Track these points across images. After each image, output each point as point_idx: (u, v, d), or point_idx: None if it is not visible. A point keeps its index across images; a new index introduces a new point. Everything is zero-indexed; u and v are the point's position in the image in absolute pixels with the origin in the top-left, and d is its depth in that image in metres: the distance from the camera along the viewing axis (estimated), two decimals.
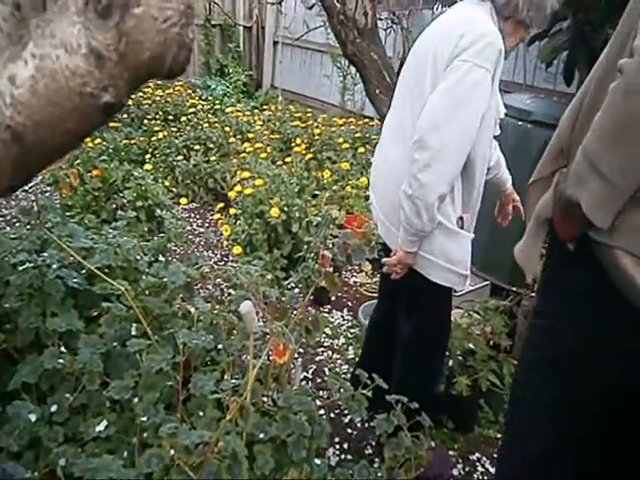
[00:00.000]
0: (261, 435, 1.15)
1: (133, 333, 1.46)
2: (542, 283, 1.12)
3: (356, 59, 3.41)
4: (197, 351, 1.39)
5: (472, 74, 1.41)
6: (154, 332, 1.46)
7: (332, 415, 2.11)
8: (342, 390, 1.29)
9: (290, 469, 1.13)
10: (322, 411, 2.08)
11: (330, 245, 1.34)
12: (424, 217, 1.49)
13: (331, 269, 1.36)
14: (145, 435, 1.23)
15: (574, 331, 1.01)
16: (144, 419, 1.21)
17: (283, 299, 1.34)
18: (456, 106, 1.41)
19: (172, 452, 0.98)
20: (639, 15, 0.86)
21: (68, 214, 2.33)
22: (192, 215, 3.91)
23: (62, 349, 1.37)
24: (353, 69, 5.00)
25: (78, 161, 3.19)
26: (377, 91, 3.56)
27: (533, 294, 2.79)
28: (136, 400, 1.29)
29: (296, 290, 2.96)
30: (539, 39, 3.14)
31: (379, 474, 1.21)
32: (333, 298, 2.97)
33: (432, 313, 1.79)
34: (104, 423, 1.23)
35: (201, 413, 1.29)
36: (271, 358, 1.03)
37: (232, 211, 3.10)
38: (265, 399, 1.26)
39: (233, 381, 1.34)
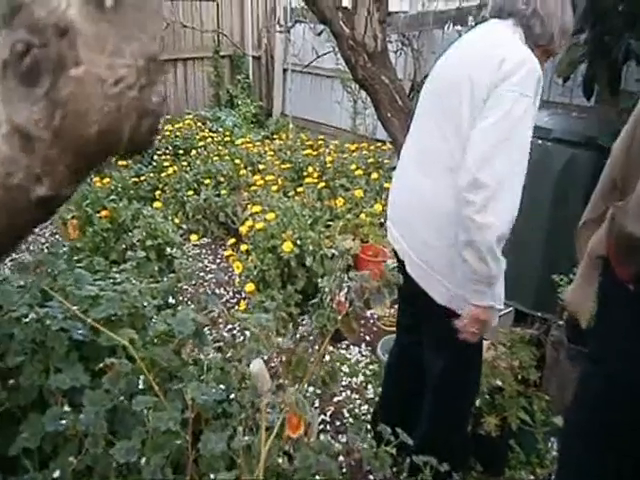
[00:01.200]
0: None
1: (140, 387, 1.39)
2: (597, 325, 1.02)
3: (367, 83, 3.37)
4: (207, 405, 1.31)
5: (519, 104, 1.33)
6: (162, 385, 1.39)
7: (352, 462, 2.00)
8: (364, 446, 1.19)
9: None
10: (342, 457, 1.97)
11: (346, 288, 1.26)
12: (489, 262, 1.37)
13: (348, 312, 1.28)
14: None
15: (637, 375, 0.92)
16: None
17: (298, 349, 1.26)
18: (506, 139, 1.33)
19: None
20: None
21: (76, 258, 2.28)
22: (203, 251, 3.86)
23: (66, 408, 1.30)
24: (363, 93, 4.98)
25: (87, 201, 3.16)
26: (389, 115, 3.51)
27: (561, 322, 2.67)
28: (143, 461, 1.21)
29: (309, 328, 2.88)
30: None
31: None
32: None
33: (465, 349, 1.68)
34: None
35: (212, 475, 1.20)
36: (285, 433, 0.95)
37: (243, 247, 3.03)
38: (280, 460, 1.17)
39: (246, 438, 1.26)
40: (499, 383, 2.16)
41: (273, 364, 1.28)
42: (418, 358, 1.79)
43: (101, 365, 1.47)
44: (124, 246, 2.76)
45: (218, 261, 3.70)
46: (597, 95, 3.01)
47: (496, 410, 2.04)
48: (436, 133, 1.50)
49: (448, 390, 1.74)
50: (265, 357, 1.26)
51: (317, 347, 1.30)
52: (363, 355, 2.73)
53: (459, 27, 4.69)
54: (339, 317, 1.20)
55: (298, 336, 2.53)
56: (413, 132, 1.67)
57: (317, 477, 1.14)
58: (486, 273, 1.39)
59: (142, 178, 4.43)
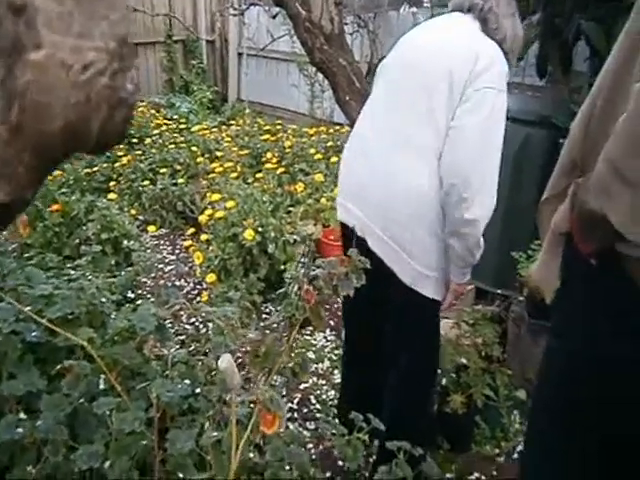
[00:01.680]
0: None
1: (101, 387, 1.34)
2: (559, 300, 1.03)
3: (324, 66, 3.33)
4: (173, 402, 1.27)
5: (498, 100, 1.44)
6: (124, 384, 1.34)
7: (321, 447, 2.00)
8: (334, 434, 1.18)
9: None
10: (310, 445, 1.97)
11: (311, 276, 1.24)
12: (475, 251, 1.53)
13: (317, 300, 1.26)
14: None
15: (600, 348, 0.93)
16: None
17: (266, 340, 1.23)
18: (490, 137, 1.44)
19: None
20: None
21: (26, 255, 2.18)
22: (161, 242, 3.76)
23: (22, 415, 1.24)
24: (321, 76, 4.94)
25: (37, 195, 3.02)
26: (347, 97, 3.48)
27: (521, 298, 2.73)
28: (107, 465, 1.16)
29: (277, 318, 2.85)
30: None
31: None
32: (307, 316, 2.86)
33: (426, 327, 1.72)
34: None
35: (181, 475, 1.17)
36: (260, 429, 0.92)
37: (203, 237, 2.97)
38: (252, 455, 1.15)
39: (215, 434, 1.23)
40: (464, 361, 2.19)
41: (239, 355, 1.25)
42: (376, 341, 1.80)
43: (58, 368, 1.42)
44: (78, 241, 2.66)
45: (177, 252, 3.62)
46: (549, 75, 3.05)
47: (461, 388, 2.06)
48: (410, 117, 1.53)
49: (413, 372, 1.74)
50: (231, 349, 1.23)
51: (285, 336, 1.28)
52: (328, 340, 2.73)
53: (414, 9, 4.69)
54: (307, 306, 1.18)
55: (264, 326, 2.50)
56: (377, 111, 1.65)
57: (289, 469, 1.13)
58: (472, 261, 1.56)
59: (95, 169, 4.28)
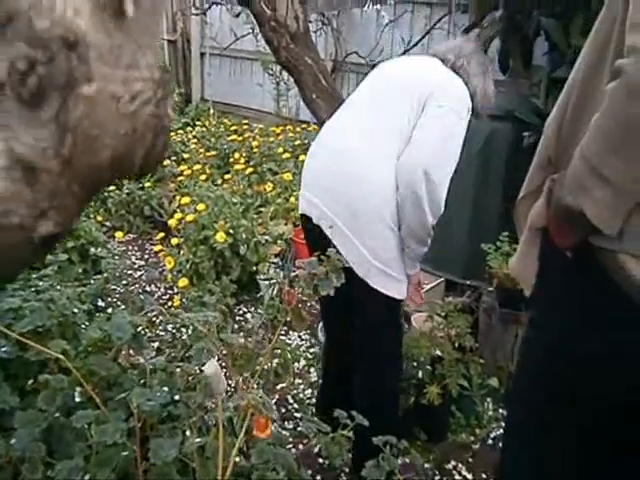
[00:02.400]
0: None
1: (77, 399, 1.31)
2: (537, 293, 1.06)
3: (290, 65, 3.32)
4: (153, 411, 1.25)
5: (457, 120, 1.62)
6: (101, 395, 1.32)
7: (301, 446, 2.00)
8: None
9: None
10: (290, 445, 1.97)
11: (293, 277, 1.24)
12: (428, 242, 1.65)
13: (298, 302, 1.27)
14: None
15: (576, 342, 0.95)
16: None
17: (248, 345, 1.23)
18: (447, 148, 1.59)
19: None
20: (621, 6, 0.81)
21: None
22: (130, 248, 3.70)
23: None
24: (285, 75, 4.92)
25: None
26: (314, 96, 3.48)
27: (491, 289, 2.78)
28: (87, 479, 1.14)
29: (248, 315, 2.84)
30: (472, 30, 3.15)
31: None
32: (288, 318, 2.86)
33: (389, 330, 1.77)
34: None
35: None
36: (253, 433, 0.92)
37: (174, 241, 2.93)
38: (237, 458, 1.14)
39: (198, 440, 1.22)
40: (439, 353, 2.22)
41: (219, 358, 1.25)
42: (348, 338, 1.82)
43: (32, 384, 1.38)
44: None
45: (146, 257, 3.57)
46: (510, 70, 3.13)
47: (437, 379, 2.10)
48: (383, 122, 1.62)
49: (376, 370, 1.77)
50: (213, 354, 1.22)
51: (264, 339, 1.28)
52: (302, 339, 2.72)
53: (378, 6, 4.71)
54: (289, 308, 1.18)
55: (242, 330, 2.48)
56: (352, 112, 1.74)
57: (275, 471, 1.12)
58: (422, 253, 1.69)
59: None
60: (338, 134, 1.71)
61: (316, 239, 1.67)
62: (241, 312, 2.87)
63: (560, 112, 0.95)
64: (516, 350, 2.27)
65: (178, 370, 1.43)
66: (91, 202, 0.33)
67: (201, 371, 1.28)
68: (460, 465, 1.99)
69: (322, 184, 1.69)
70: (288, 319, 1.32)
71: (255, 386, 1.21)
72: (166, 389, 1.37)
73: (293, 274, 1.23)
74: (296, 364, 2.50)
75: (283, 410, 2.21)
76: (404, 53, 4.67)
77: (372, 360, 1.76)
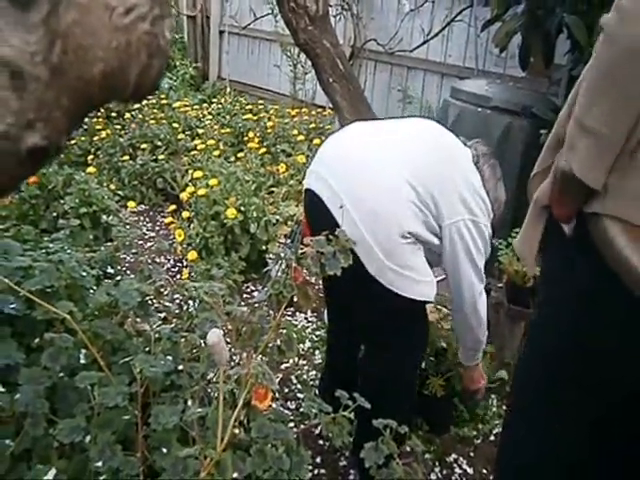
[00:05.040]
0: (235, 474, 1.02)
1: (82, 361, 1.31)
2: (541, 274, 1.05)
3: (308, 47, 3.29)
4: (156, 378, 1.25)
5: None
6: (106, 358, 1.31)
7: (302, 426, 2.00)
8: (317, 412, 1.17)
9: None
10: (292, 424, 1.97)
11: (300, 255, 1.22)
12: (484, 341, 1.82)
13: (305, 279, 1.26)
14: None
15: (571, 322, 0.94)
16: (99, 464, 1.07)
17: (253, 319, 1.21)
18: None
19: None
20: None
21: (2, 227, 2.12)
22: (141, 219, 3.70)
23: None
24: (303, 57, 4.88)
25: None
26: (330, 80, 3.45)
27: (500, 285, 2.75)
28: (88, 440, 1.14)
29: (255, 293, 2.84)
30: (491, 24, 3.11)
31: None
32: (295, 299, 2.85)
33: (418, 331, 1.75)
34: (52, 472, 1.08)
35: (165, 450, 1.16)
36: (252, 403, 0.91)
37: (185, 214, 2.92)
38: (237, 431, 1.14)
39: (199, 410, 1.22)
40: (443, 345, 2.21)
41: (225, 331, 1.24)
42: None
43: (37, 341, 1.38)
44: (55, 214, 2.59)
45: (157, 229, 3.57)
46: (530, 67, 3.09)
47: (441, 371, 2.08)
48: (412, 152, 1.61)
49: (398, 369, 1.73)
50: (218, 325, 1.21)
51: (269, 314, 1.27)
52: (309, 321, 2.72)
53: None
54: (295, 285, 1.17)
55: (249, 304, 2.48)
56: (385, 123, 1.76)
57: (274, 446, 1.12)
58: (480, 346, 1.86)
59: (72, 142, 4.17)
60: (370, 133, 1.69)
61: (320, 218, 1.60)
62: (249, 290, 2.87)
63: (573, 94, 0.94)
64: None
65: (183, 340, 1.43)
66: (82, 121, 0.31)
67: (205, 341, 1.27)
68: (461, 459, 1.98)
69: (335, 164, 1.63)
70: (295, 299, 1.31)
71: (258, 359, 1.20)
72: (170, 358, 1.37)
73: (300, 251, 1.21)
74: (301, 345, 2.50)
75: (286, 390, 2.21)
76: (424, 43, 4.62)
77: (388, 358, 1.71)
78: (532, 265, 1.06)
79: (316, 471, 1.85)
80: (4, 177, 0.29)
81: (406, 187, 1.51)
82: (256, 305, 2.42)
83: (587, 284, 0.92)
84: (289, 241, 2.79)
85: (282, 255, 1.24)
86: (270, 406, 1.04)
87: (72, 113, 0.29)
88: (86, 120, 4.61)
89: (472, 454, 2.00)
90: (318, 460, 1.88)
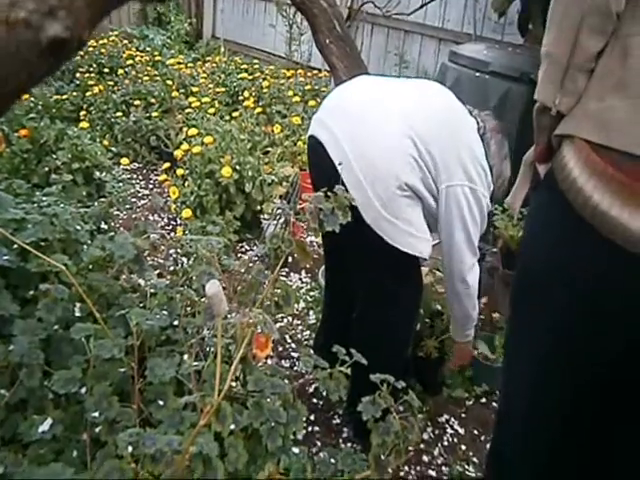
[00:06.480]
0: (232, 426, 1.02)
1: (77, 314, 1.30)
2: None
3: (305, 7, 3.20)
4: (152, 332, 1.24)
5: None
6: (101, 312, 1.30)
7: (296, 384, 2.01)
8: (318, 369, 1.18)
9: (265, 460, 1.02)
10: (286, 381, 1.97)
11: (299, 210, 1.21)
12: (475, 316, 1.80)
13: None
14: (97, 431, 1.09)
15: (532, 260, 0.95)
16: (95, 415, 1.06)
17: (251, 273, 1.20)
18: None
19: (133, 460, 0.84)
20: None
21: None
22: (134, 176, 3.64)
23: None
24: (299, 18, 4.76)
25: (1, 119, 2.86)
26: (327, 41, 3.37)
27: (495, 250, 2.76)
28: (84, 391, 1.14)
29: (250, 253, 2.82)
30: None
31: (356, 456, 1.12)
32: (290, 260, 2.85)
33: (396, 266, 1.67)
34: (48, 422, 1.07)
35: (161, 402, 1.15)
36: (253, 352, 0.90)
37: (179, 171, 2.88)
38: (234, 384, 1.14)
39: (195, 363, 1.21)
40: (438, 307, 2.21)
41: (223, 285, 1.22)
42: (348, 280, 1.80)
43: (32, 292, 1.37)
44: (47, 169, 2.54)
45: (150, 187, 3.52)
46: (529, 33, 3.03)
47: (435, 333, 2.09)
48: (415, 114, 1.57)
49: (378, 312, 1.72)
50: (215, 278, 1.20)
51: (267, 268, 1.26)
52: (303, 282, 2.72)
53: None
54: (294, 239, 1.15)
55: (245, 261, 2.47)
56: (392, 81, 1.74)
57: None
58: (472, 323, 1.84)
59: (64, 97, 4.07)
60: (378, 86, 1.68)
61: (321, 164, 1.60)
62: (243, 250, 2.85)
63: None
64: None
65: (178, 296, 1.41)
66: (104, 17, 0.28)
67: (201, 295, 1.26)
68: (453, 419, 2.00)
69: (339, 113, 1.62)
70: (289, 259, 1.29)
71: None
72: (165, 313, 1.36)
73: (299, 207, 1.19)
74: (295, 305, 2.50)
75: (280, 349, 2.22)
76: (421, 7, 4.51)
77: (384, 318, 1.71)
78: (516, 210, 1.13)
79: (310, 428, 1.87)
80: (23, 73, 0.27)
81: (407, 141, 1.50)
82: (254, 259, 2.41)
83: (546, 214, 0.94)
84: (287, 198, 2.76)
85: (280, 209, 1.22)
86: (270, 356, 1.04)
87: (93, 4, 0.26)
88: (77, 75, 4.50)
89: (464, 415, 2.03)
90: (312, 418, 1.90)
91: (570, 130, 0.87)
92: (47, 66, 0.27)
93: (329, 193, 1.17)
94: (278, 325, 2.35)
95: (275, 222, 2.48)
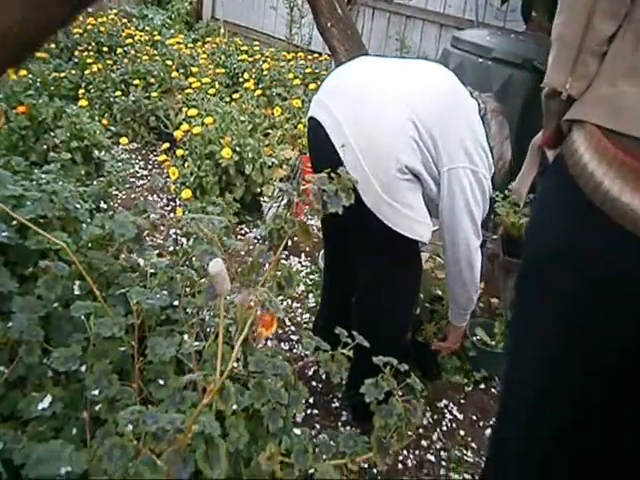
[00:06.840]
0: (234, 406, 1.02)
1: (77, 292, 1.28)
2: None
3: None
4: (153, 311, 1.23)
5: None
6: (101, 290, 1.29)
7: (295, 366, 2.00)
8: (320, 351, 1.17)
9: (267, 441, 1.02)
10: (286, 363, 1.97)
11: (302, 191, 1.19)
12: (474, 296, 1.76)
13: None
14: (97, 409, 1.08)
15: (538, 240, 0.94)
16: (95, 393, 1.06)
17: (252, 254, 1.19)
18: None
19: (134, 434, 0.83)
20: None
21: None
22: (133, 156, 3.61)
23: None
24: (300, 0, 4.70)
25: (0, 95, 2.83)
26: (328, 24, 3.34)
27: (495, 236, 2.75)
28: (84, 369, 1.13)
29: (250, 235, 2.81)
30: None
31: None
32: (290, 243, 2.83)
33: (397, 251, 1.67)
34: (48, 399, 1.06)
35: (161, 381, 1.15)
36: (258, 330, 0.89)
37: (179, 152, 2.85)
38: (235, 364, 1.13)
39: (196, 343, 1.20)
40: (438, 292, 2.21)
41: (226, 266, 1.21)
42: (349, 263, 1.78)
43: (31, 270, 1.35)
44: (46, 147, 2.51)
45: (150, 167, 3.49)
46: (532, 20, 3.00)
47: (434, 319, 2.09)
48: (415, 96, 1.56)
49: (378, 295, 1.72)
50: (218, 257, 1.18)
51: (270, 249, 1.24)
52: (303, 265, 2.71)
53: None
54: (296, 220, 1.14)
55: (245, 242, 2.46)
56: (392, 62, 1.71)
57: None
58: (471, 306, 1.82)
59: (63, 74, 4.02)
60: (380, 67, 1.66)
61: (321, 146, 1.58)
62: (243, 232, 2.83)
63: None
64: None
65: (178, 276, 1.40)
66: None
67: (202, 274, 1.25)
68: (451, 405, 2.01)
69: (338, 94, 1.60)
70: (293, 238, 1.28)
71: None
72: (166, 293, 1.34)
73: (302, 188, 1.18)
74: (295, 288, 2.49)
75: (280, 331, 2.22)
76: None
77: (383, 303, 1.70)
78: (522, 199, 1.11)
79: (309, 411, 1.87)
80: (42, 14, 0.25)
81: (408, 123, 1.48)
82: (253, 240, 2.40)
83: (555, 199, 0.92)
84: (289, 181, 2.74)
85: (283, 190, 1.20)
86: (270, 338, 1.03)
87: None
88: (76, 53, 4.44)
89: (462, 401, 2.03)
90: (311, 401, 1.90)
91: (581, 115, 0.85)
92: (64, 10, 0.26)
93: (332, 175, 1.16)
94: None
95: (277, 204, 2.45)
